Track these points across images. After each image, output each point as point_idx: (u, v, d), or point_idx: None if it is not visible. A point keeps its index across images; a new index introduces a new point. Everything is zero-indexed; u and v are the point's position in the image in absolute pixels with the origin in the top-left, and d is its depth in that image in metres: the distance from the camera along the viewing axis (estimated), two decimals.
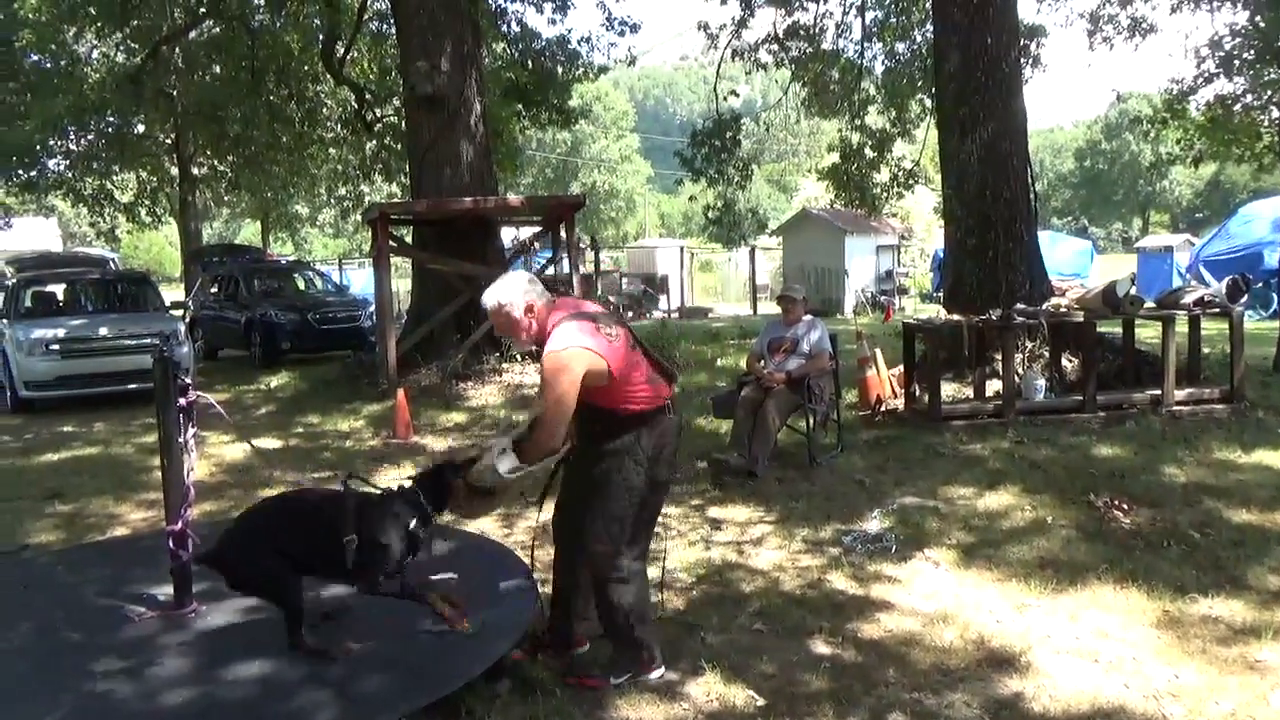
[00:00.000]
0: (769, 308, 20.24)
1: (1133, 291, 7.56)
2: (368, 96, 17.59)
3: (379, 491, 3.58)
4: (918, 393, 7.81)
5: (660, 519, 5.42)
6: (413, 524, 3.35)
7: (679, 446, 3.56)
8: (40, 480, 7.30)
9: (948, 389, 7.87)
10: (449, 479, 3.38)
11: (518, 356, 10.37)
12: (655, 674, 3.44)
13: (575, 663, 3.57)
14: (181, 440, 3.73)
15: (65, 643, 3.56)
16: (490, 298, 3.32)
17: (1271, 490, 5.48)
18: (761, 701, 3.31)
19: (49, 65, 19.17)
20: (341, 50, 16.30)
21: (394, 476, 6.68)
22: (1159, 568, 4.41)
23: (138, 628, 3.65)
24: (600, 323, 3.28)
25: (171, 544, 3.73)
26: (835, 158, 17.00)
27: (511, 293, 3.28)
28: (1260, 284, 14.67)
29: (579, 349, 3.16)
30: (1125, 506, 5.22)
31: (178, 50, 18.54)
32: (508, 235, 15.23)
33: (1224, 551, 4.58)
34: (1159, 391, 7.35)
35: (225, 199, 29.12)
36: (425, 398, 9.63)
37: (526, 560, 4.00)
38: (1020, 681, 3.41)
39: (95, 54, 20.76)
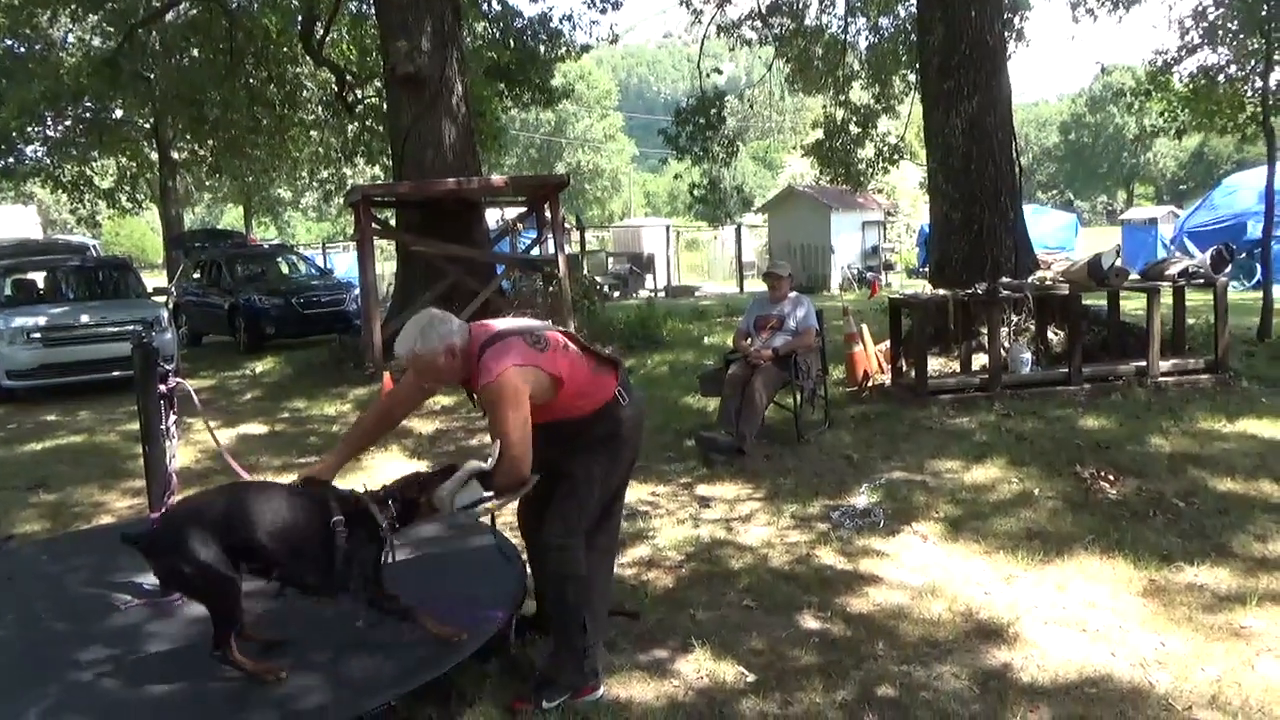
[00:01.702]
0: (755, 285, 20.24)
1: (1117, 263, 7.57)
2: (348, 78, 17.41)
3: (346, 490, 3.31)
4: (904, 368, 7.83)
5: (649, 497, 5.47)
6: (384, 526, 3.12)
7: (640, 440, 3.39)
8: (24, 470, 7.25)
9: (934, 363, 7.89)
10: (414, 497, 3.15)
11: None
12: (594, 696, 3.19)
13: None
14: (163, 427, 3.70)
15: (51, 632, 3.54)
16: (403, 347, 3.05)
17: (1255, 459, 5.52)
18: (751, 677, 3.32)
19: (23, 50, 18.91)
20: (321, 31, 16.13)
21: (381, 460, 6.66)
22: (1145, 537, 4.44)
23: (124, 616, 3.63)
24: (525, 335, 3.09)
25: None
26: (820, 134, 16.97)
27: (427, 339, 3.02)
28: (1244, 254, 14.74)
29: (515, 369, 2.96)
30: (1111, 477, 5.25)
31: (154, 33, 18.27)
32: (492, 216, 15.15)
33: (1209, 520, 4.61)
34: (1144, 363, 7.38)
35: (206, 184, 28.90)
36: None
37: (514, 541, 3.98)
38: (1008, 652, 3.43)
39: (70, 38, 20.48)
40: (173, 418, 3.75)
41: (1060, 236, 23.56)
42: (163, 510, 3.68)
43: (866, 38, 16.80)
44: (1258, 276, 15.76)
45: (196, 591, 3.03)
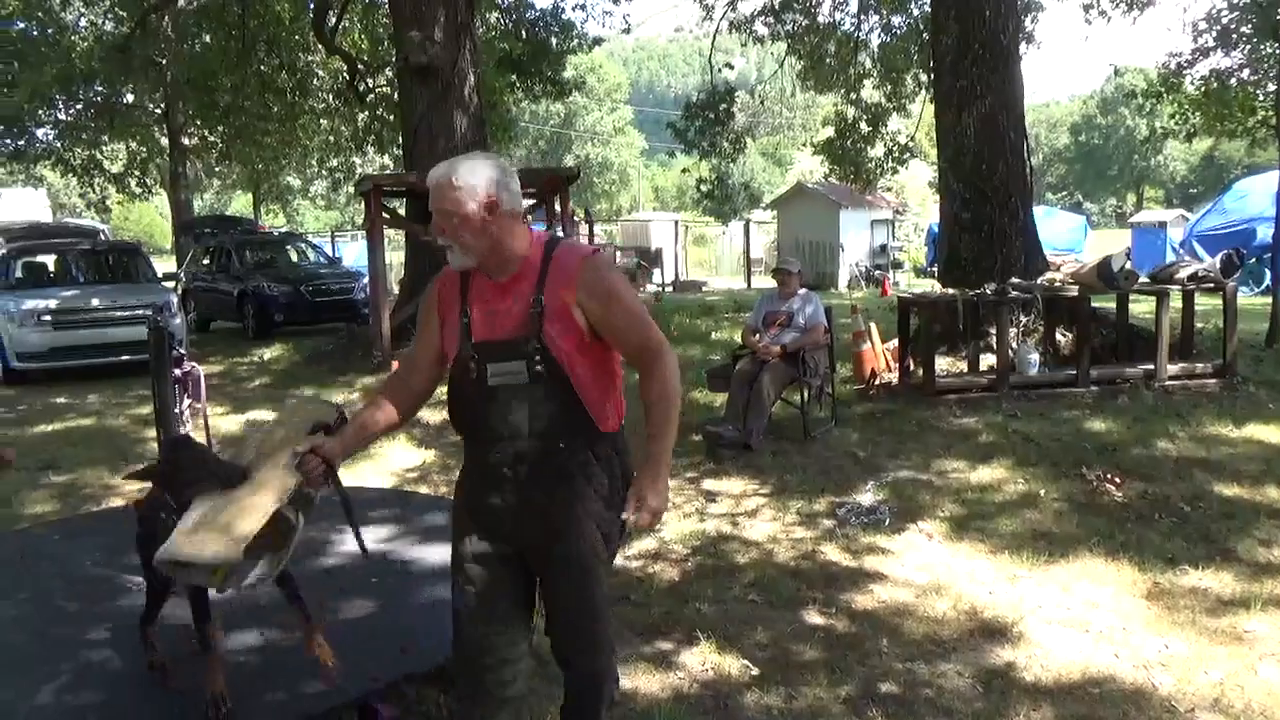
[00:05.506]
0: (763, 281, 20.22)
1: (1127, 266, 7.56)
2: (360, 67, 17.41)
3: None
4: (912, 366, 7.83)
5: None
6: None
7: None
8: (34, 451, 7.28)
9: (942, 363, 7.89)
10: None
11: None
12: None
13: None
14: (177, 410, 3.73)
15: (62, 612, 3.57)
16: (444, 167, 2.29)
17: (1261, 464, 5.52)
18: (755, 671, 3.34)
19: (36, 34, 18.94)
20: (333, 20, 16.10)
21: (388, 449, 6.68)
22: (1149, 540, 4.45)
23: (134, 596, 3.65)
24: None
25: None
26: (830, 132, 16.96)
27: (474, 174, 2.23)
28: (1254, 259, 14.69)
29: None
30: (1117, 480, 5.25)
31: (166, 19, 18.30)
32: None
33: (1214, 524, 4.62)
34: (1152, 366, 7.38)
35: (216, 170, 28.89)
36: None
37: None
38: (1012, 651, 3.45)
39: (83, 22, 20.51)
40: (186, 401, 3.78)
41: (1069, 238, 23.50)
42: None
43: (879, 36, 16.79)
44: (1267, 282, 15.74)
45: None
